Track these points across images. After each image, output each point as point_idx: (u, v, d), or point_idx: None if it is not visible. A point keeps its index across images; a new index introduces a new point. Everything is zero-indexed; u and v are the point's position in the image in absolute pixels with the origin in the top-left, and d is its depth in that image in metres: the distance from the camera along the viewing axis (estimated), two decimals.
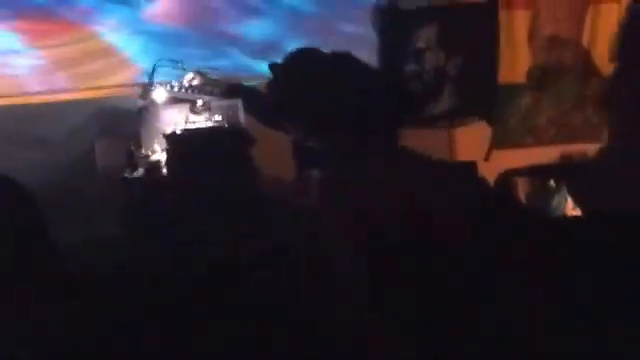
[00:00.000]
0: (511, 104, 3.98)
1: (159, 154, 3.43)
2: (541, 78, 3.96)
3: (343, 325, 1.17)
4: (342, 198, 1.77)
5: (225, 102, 3.50)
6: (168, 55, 3.71)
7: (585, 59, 4.03)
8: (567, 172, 2.58)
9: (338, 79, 2.43)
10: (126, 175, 3.38)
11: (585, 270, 0.90)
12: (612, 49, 2.65)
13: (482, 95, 3.94)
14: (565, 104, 3.94)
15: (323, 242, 1.54)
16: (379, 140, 2.37)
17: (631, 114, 1.90)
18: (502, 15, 4.00)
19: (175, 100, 3.55)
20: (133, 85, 4.01)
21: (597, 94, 3.69)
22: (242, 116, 3.47)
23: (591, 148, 2.42)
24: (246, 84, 3.66)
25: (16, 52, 4.25)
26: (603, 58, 3.91)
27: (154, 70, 3.58)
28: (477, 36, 3.95)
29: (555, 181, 2.77)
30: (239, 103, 3.46)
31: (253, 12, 4.42)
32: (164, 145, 3.40)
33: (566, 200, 2.70)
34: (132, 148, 3.45)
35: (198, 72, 3.62)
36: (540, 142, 3.90)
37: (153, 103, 3.53)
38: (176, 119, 3.48)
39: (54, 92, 4.18)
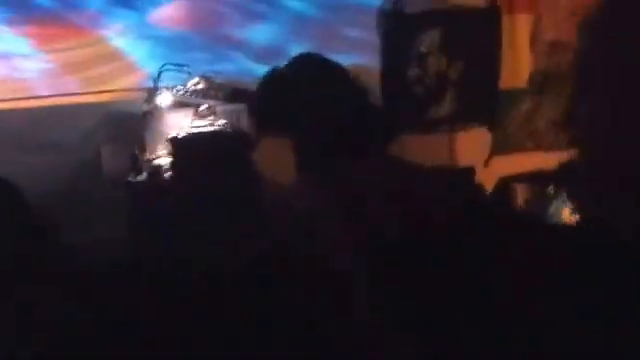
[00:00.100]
0: (512, 109, 3.98)
1: (163, 158, 3.46)
2: (542, 83, 3.97)
3: (343, 326, 1.19)
4: (341, 202, 1.79)
5: (229, 106, 3.54)
6: (174, 59, 3.73)
7: None
8: (567, 178, 2.60)
9: (338, 86, 2.45)
10: (130, 179, 3.42)
11: (584, 277, 0.91)
12: None
13: (483, 100, 3.95)
14: (566, 109, 3.95)
15: (322, 243, 1.55)
16: (379, 146, 2.40)
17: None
18: (504, 20, 4.00)
19: (180, 104, 3.58)
20: (138, 89, 4.04)
21: None
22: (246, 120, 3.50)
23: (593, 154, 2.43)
24: (251, 88, 3.67)
25: (25, 56, 4.30)
26: None
27: (159, 74, 3.62)
28: (479, 41, 3.96)
29: (554, 187, 2.79)
30: (243, 107, 3.49)
31: (258, 17, 4.44)
32: (168, 149, 3.43)
33: (564, 207, 2.71)
34: (137, 152, 3.48)
35: (203, 77, 3.65)
36: (541, 147, 3.90)
37: (158, 107, 3.57)
38: (181, 123, 3.51)
39: (60, 95, 4.21)
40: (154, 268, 1.84)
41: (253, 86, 3.89)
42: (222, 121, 3.52)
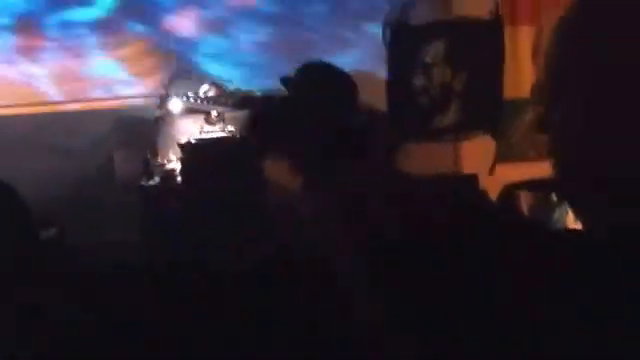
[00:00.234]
0: (516, 119, 4.04)
1: (175, 163, 3.51)
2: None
3: (342, 326, 1.21)
4: (343, 206, 1.83)
5: (239, 113, 3.59)
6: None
7: None
8: (569, 186, 2.64)
9: (341, 90, 2.50)
10: (142, 183, 3.47)
11: (586, 284, 0.92)
12: None
13: (487, 110, 3.99)
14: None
15: (324, 245, 1.57)
16: (384, 152, 2.44)
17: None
18: (507, 31, 4.05)
19: (190, 111, 3.64)
20: (150, 96, 4.10)
21: None
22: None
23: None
24: (260, 96, 3.72)
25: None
26: None
27: (171, 82, 3.68)
28: (483, 52, 4.01)
29: (557, 195, 2.84)
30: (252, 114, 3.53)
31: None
32: (179, 154, 3.48)
33: (567, 213, 2.76)
34: (148, 157, 3.54)
35: (213, 84, 3.71)
36: (543, 156, 3.94)
37: (169, 113, 3.63)
38: (191, 129, 3.57)
39: (75, 102, 4.26)
40: (164, 271, 1.87)
41: (262, 94, 3.95)
42: (231, 127, 3.57)
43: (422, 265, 0.99)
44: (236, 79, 4.23)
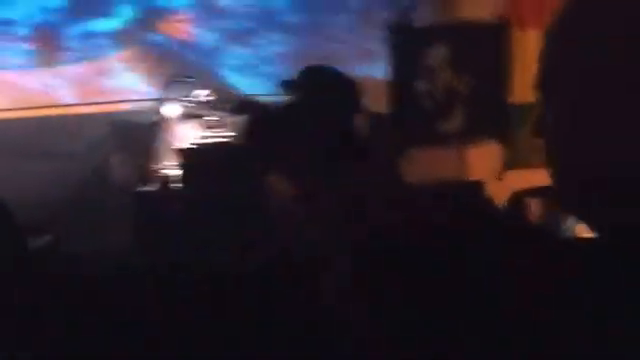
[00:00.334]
0: (522, 124, 3.98)
1: (171, 168, 3.46)
2: None
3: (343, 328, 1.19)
4: (344, 209, 1.79)
5: (237, 118, 3.54)
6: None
7: None
8: (563, 189, 2.58)
9: (344, 93, 2.46)
10: (139, 188, 3.42)
11: (595, 291, 0.91)
12: None
13: (493, 114, 3.94)
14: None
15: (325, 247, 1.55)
16: (388, 157, 2.40)
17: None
18: (513, 34, 4.00)
19: (188, 115, 3.59)
20: (147, 100, 4.05)
21: None
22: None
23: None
24: (258, 101, 3.68)
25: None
26: None
27: (168, 86, 3.63)
28: (488, 55, 3.96)
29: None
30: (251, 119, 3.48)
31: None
32: (176, 159, 3.43)
33: (577, 222, 2.70)
34: (145, 162, 3.49)
35: (212, 89, 3.66)
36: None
37: (166, 118, 3.58)
38: (188, 134, 3.52)
39: (69, 106, 4.23)
40: (162, 274, 1.85)
41: (260, 98, 3.91)
42: (231, 132, 3.52)
43: (423, 269, 0.99)
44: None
